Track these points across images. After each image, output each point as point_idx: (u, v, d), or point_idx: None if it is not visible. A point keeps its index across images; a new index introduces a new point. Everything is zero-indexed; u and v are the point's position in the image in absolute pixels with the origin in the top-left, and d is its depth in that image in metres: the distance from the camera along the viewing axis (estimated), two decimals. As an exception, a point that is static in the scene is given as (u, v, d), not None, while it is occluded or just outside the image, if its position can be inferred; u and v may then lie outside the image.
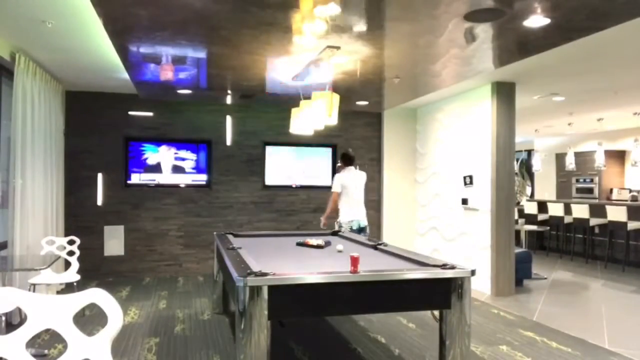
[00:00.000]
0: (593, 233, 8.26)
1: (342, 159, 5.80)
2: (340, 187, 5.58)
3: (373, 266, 3.09)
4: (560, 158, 11.53)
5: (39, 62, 4.99)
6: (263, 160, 7.40)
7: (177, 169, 7.05)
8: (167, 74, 5.27)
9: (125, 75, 5.40)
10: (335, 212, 5.69)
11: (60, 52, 4.71)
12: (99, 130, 6.68)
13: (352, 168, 5.73)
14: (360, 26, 3.66)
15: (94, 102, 6.64)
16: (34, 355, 3.37)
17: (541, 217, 9.14)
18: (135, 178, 6.87)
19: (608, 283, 6.54)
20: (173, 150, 7.03)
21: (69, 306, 1.78)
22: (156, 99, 6.77)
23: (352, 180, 5.64)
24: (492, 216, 5.86)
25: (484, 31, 3.77)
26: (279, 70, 5.04)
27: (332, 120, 4.28)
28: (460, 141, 6.59)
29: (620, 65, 5.00)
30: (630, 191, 10.02)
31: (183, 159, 7.11)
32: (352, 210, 5.58)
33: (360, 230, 5.56)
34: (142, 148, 6.90)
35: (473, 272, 2.97)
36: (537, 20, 3.48)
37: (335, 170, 7.65)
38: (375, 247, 4.12)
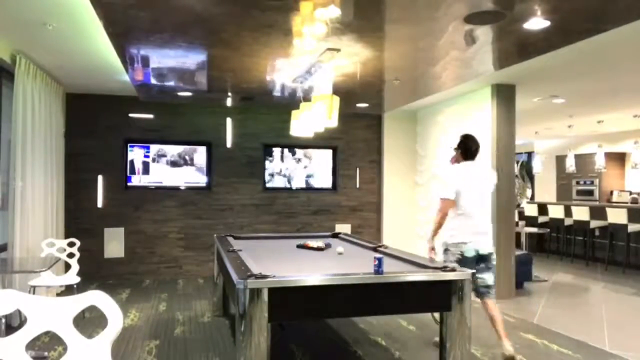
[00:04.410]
0: (593, 235, 8.25)
1: (460, 148, 3.82)
2: (454, 193, 3.68)
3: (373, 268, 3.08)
4: (560, 160, 11.53)
5: (40, 64, 4.99)
6: (263, 162, 7.41)
7: (177, 171, 7.06)
8: (165, 76, 5.27)
9: (126, 77, 5.41)
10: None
11: (60, 54, 4.71)
12: (99, 133, 6.69)
13: (471, 163, 3.81)
14: (361, 28, 3.66)
15: (94, 104, 6.64)
16: (34, 358, 3.37)
17: (541, 219, 9.13)
18: (136, 180, 6.87)
19: (608, 285, 6.53)
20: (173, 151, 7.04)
21: (69, 308, 1.78)
22: (156, 101, 6.77)
23: (471, 181, 3.74)
24: (492, 218, 5.85)
25: (484, 34, 3.77)
26: (279, 72, 5.04)
27: (332, 122, 4.28)
28: (461, 143, 6.59)
29: (620, 67, 5.00)
30: (631, 193, 10.01)
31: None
32: (469, 229, 3.67)
33: (482, 260, 3.70)
34: (142, 150, 6.91)
35: (473, 275, 2.98)
36: (537, 23, 3.48)
37: (335, 172, 7.65)
38: (375, 250, 4.12)
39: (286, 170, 7.52)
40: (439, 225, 3.79)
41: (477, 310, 5.09)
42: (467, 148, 3.80)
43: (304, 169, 7.60)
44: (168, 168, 6.99)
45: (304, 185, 7.60)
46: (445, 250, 3.75)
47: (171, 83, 5.61)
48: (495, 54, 4.38)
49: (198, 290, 6.19)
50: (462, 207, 3.68)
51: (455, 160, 3.87)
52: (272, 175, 7.45)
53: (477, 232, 3.69)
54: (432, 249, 3.86)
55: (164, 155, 6.98)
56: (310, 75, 4.99)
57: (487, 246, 3.73)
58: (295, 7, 3.23)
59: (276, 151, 7.47)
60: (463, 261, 3.56)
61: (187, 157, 7.08)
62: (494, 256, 3.79)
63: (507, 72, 5.10)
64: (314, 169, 7.64)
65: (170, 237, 6.98)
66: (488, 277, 3.76)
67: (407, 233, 7.80)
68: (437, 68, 4.91)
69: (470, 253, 3.63)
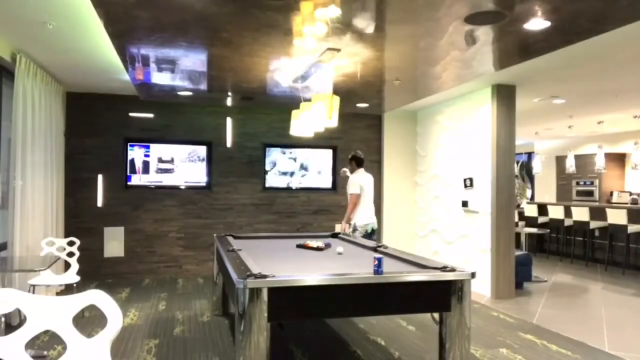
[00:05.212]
0: (593, 236, 8.25)
1: (354, 161, 5.69)
2: (359, 189, 5.49)
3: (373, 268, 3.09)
4: (560, 161, 11.54)
5: (40, 63, 4.99)
6: (263, 162, 7.41)
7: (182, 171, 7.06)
8: (165, 75, 5.27)
9: (126, 76, 5.41)
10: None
11: (61, 53, 4.71)
12: (99, 132, 6.69)
13: (362, 170, 5.67)
14: (361, 28, 3.66)
15: (95, 103, 6.64)
16: (33, 357, 3.37)
17: (541, 219, 9.13)
18: (136, 179, 6.87)
19: (608, 286, 6.53)
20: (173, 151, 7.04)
21: (69, 307, 1.78)
22: (156, 101, 6.77)
23: (366, 182, 5.60)
24: (492, 219, 5.86)
25: (485, 34, 3.77)
26: (280, 72, 5.04)
27: (333, 122, 4.28)
28: (461, 143, 6.59)
29: (620, 68, 5.00)
30: (631, 194, 10.01)
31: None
32: (368, 213, 5.52)
33: (372, 233, 5.54)
34: (142, 149, 6.90)
35: (473, 275, 2.97)
36: (537, 23, 3.48)
37: (335, 172, 7.67)
38: (375, 250, 4.12)
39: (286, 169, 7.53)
40: (351, 212, 5.50)
41: (477, 311, 5.10)
42: (358, 160, 5.66)
43: (299, 170, 7.60)
44: (183, 167, 6.99)
45: (303, 185, 7.60)
46: (354, 230, 5.45)
47: (171, 82, 5.61)
48: (495, 54, 4.38)
49: (198, 289, 6.19)
50: (364, 199, 5.50)
51: (352, 169, 5.69)
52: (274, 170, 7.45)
53: (371, 216, 5.55)
54: (348, 226, 5.53)
55: (170, 162, 6.98)
56: (311, 75, 4.99)
57: (375, 225, 5.63)
58: (295, 7, 3.23)
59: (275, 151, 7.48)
60: (365, 235, 5.37)
61: (197, 157, 7.09)
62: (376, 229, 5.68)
63: (508, 72, 5.10)
64: (310, 169, 7.65)
65: (170, 237, 6.98)
66: None
67: (407, 233, 7.80)
68: (437, 68, 4.91)
69: (369, 229, 5.49)
